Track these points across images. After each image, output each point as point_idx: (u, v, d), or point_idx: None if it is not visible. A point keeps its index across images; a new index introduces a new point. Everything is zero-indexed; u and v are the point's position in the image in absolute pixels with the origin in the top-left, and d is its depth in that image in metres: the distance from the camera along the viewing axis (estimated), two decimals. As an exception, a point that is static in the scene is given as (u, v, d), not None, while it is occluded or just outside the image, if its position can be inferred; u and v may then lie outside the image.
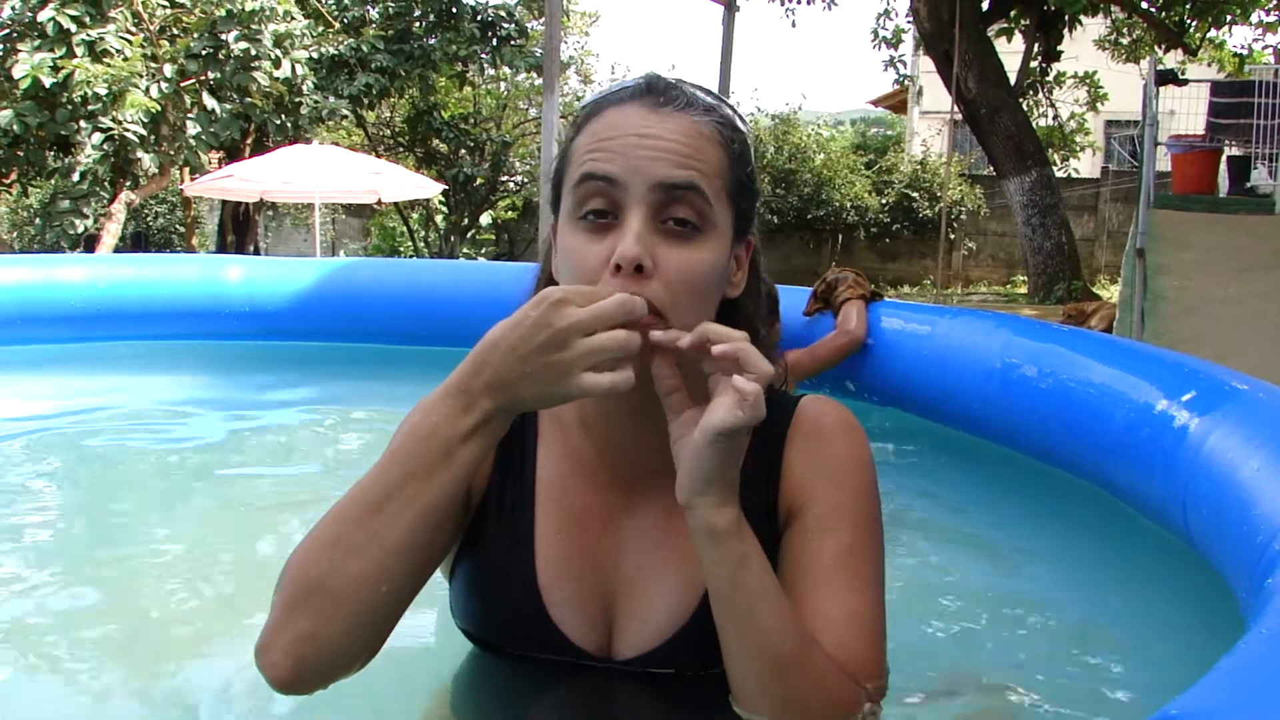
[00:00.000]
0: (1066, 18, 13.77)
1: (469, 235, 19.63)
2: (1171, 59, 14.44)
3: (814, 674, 1.10)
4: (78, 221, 11.14)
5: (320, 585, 1.04)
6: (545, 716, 1.29)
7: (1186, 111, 11.16)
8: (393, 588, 1.06)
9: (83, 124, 10.57)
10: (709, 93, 1.20)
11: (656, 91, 1.17)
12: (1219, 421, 1.96)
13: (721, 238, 1.16)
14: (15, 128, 10.41)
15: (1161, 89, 9.01)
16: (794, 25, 16.85)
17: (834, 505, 1.20)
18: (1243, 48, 17.25)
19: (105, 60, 10.50)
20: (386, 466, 1.09)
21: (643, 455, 1.23)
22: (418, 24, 15.72)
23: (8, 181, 11.92)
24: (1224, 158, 10.44)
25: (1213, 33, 15.57)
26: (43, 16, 10.27)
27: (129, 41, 10.84)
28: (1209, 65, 16.92)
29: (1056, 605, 2.03)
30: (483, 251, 20.55)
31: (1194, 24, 14.79)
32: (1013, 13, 14.24)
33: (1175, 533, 2.05)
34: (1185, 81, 9.84)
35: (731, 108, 1.21)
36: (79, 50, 10.42)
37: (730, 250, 1.19)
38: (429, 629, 1.47)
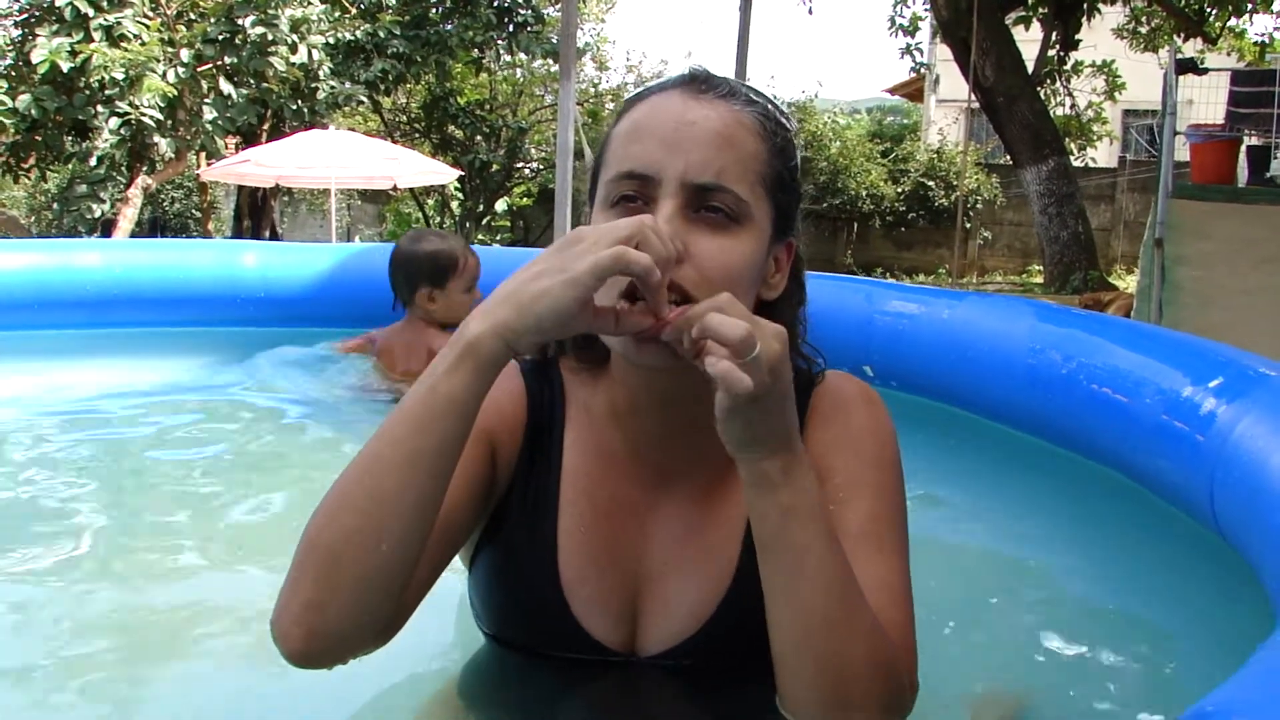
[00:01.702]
0: (1085, 6, 13.70)
1: (484, 222, 19.63)
2: (1191, 48, 14.35)
3: (862, 636, 1.06)
4: (95, 206, 11.18)
5: (321, 547, 1.01)
6: (566, 714, 1.27)
7: (1205, 101, 11.10)
8: (392, 545, 1.01)
9: (100, 109, 10.59)
10: (758, 91, 1.18)
11: (699, 80, 1.16)
12: (1248, 408, 1.93)
13: (758, 232, 1.14)
14: (33, 112, 10.43)
15: (1180, 78, 8.95)
16: (811, 13, 16.80)
17: (855, 475, 1.18)
18: (1263, 36, 17.09)
19: (122, 45, 10.51)
20: (385, 420, 1.06)
21: (672, 446, 1.22)
22: (434, 10, 15.68)
23: (26, 166, 11.94)
24: (1244, 147, 10.37)
25: (1233, 21, 15.45)
26: (60, 1, 10.28)
27: (146, 26, 10.84)
28: (1228, 54, 16.79)
29: (1079, 594, 2.02)
30: (498, 238, 20.54)
31: (1214, 12, 14.68)
32: (1031, 1, 14.15)
33: (1202, 521, 2.03)
34: (1205, 70, 9.79)
35: (779, 107, 1.19)
36: (96, 35, 10.44)
37: (769, 248, 1.17)
38: (443, 622, 1.44)
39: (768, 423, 1.03)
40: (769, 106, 1.17)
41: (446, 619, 1.43)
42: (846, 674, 1.05)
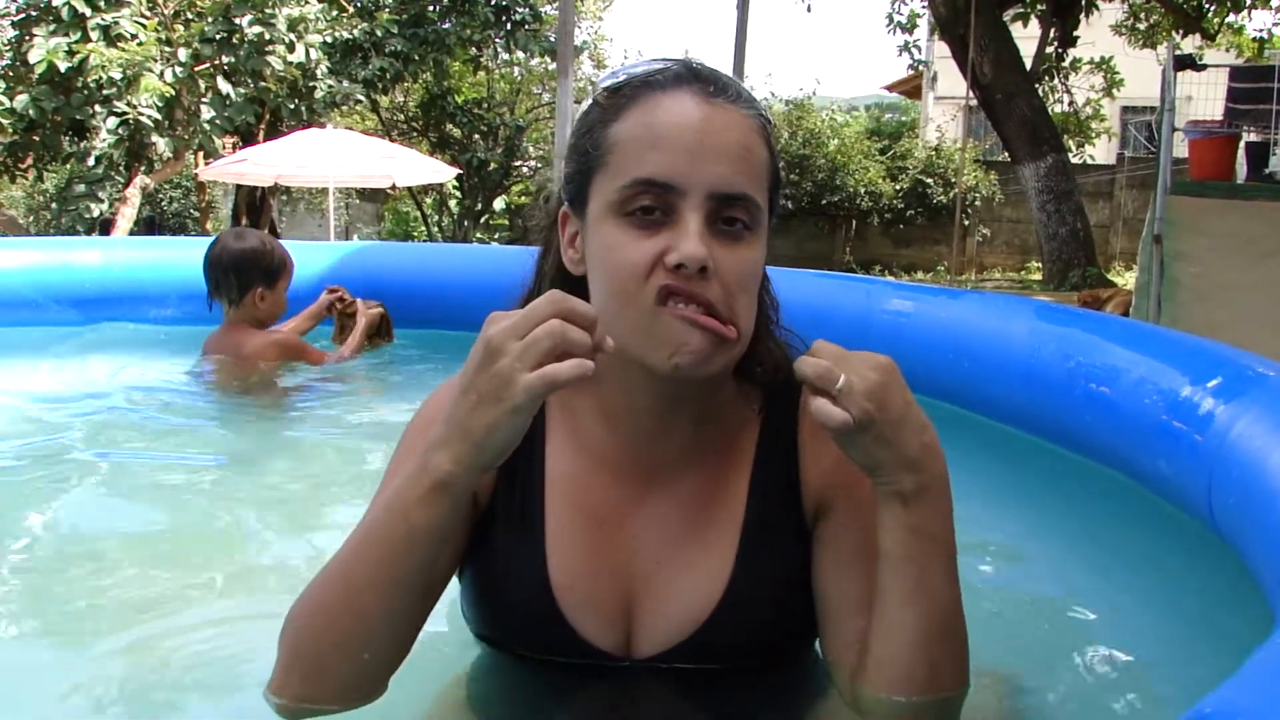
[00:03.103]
0: (1083, 2, 13.69)
1: (482, 220, 19.62)
2: (1189, 44, 14.33)
3: (963, 641, 1.14)
4: (93, 206, 11.18)
5: (306, 653, 1.08)
6: (562, 716, 1.26)
7: (1204, 97, 11.08)
8: (375, 656, 1.08)
9: (98, 108, 10.58)
10: (746, 89, 1.18)
11: (705, 80, 1.14)
12: (1246, 407, 1.93)
13: (764, 234, 1.15)
14: (31, 112, 10.42)
15: (1179, 74, 8.94)
16: (809, 10, 16.74)
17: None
18: (1262, 32, 17.08)
19: (120, 45, 10.49)
20: (358, 531, 1.10)
21: (666, 447, 1.21)
22: (432, 8, 15.68)
23: (24, 166, 11.94)
24: (1242, 144, 10.36)
25: (1231, 17, 15.43)
26: (58, 1, 10.27)
27: (143, 26, 10.83)
28: (1227, 50, 16.78)
29: (1075, 592, 2.01)
30: (496, 236, 20.53)
31: (1212, 8, 14.67)
32: (1029, -3, 14.15)
33: (1200, 520, 2.03)
34: (1204, 67, 9.76)
35: (761, 103, 1.20)
36: (94, 35, 10.42)
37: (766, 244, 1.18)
38: (436, 625, 1.43)
39: (885, 449, 1.07)
40: (761, 105, 1.17)
41: (439, 622, 1.42)
42: (942, 677, 1.12)
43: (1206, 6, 14.61)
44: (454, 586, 1.28)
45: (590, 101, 1.18)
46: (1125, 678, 1.61)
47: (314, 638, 1.08)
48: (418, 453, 1.06)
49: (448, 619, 1.38)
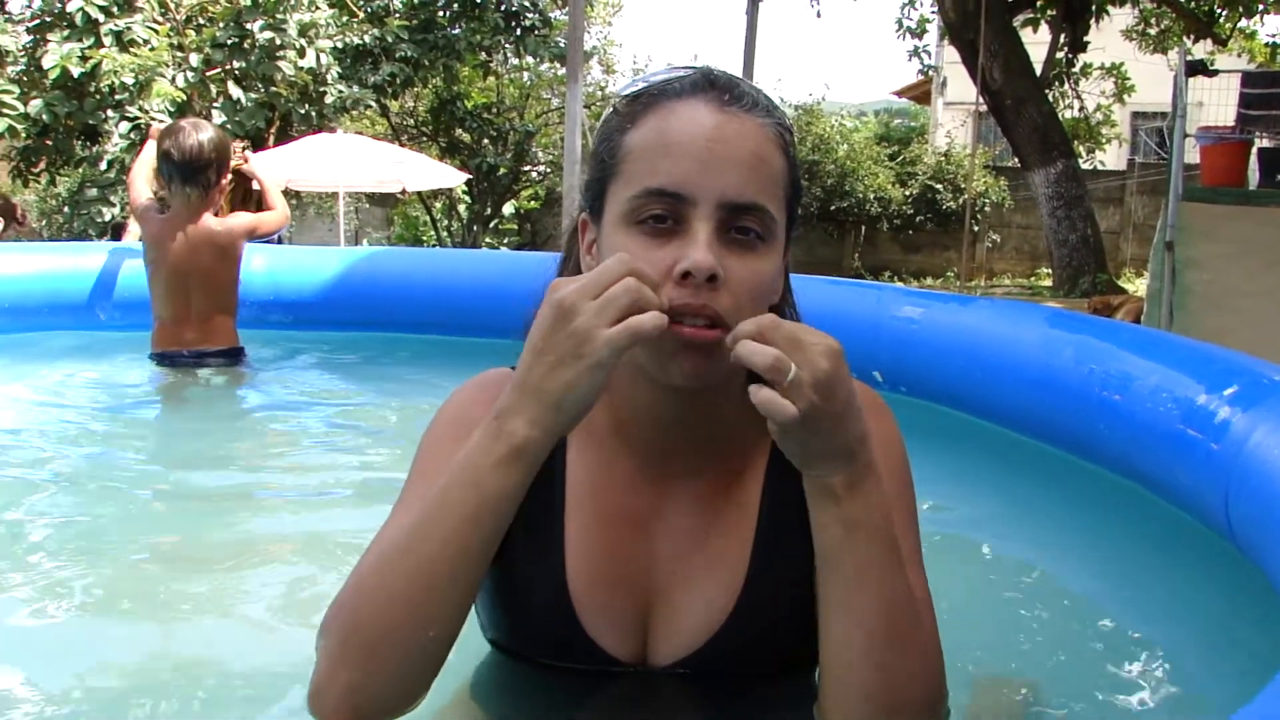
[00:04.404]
0: (1093, 8, 13.65)
1: (492, 225, 19.64)
2: (1200, 49, 14.28)
3: (919, 651, 1.08)
4: (105, 210, 11.20)
5: (364, 635, 1.03)
6: None
7: (1215, 103, 11.05)
8: (439, 632, 1.05)
9: (110, 113, 10.62)
10: (767, 96, 1.16)
11: (720, 87, 1.13)
12: (1264, 416, 1.92)
13: (779, 246, 1.14)
14: (45, 117, 10.46)
15: (1190, 80, 8.91)
16: (819, 15, 16.77)
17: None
18: (1274, 37, 17.03)
19: (132, 50, 10.53)
20: (422, 504, 1.06)
21: (681, 458, 1.21)
22: (442, 13, 15.69)
23: (37, 170, 11.97)
24: (1255, 150, 10.32)
25: (1243, 22, 15.39)
26: (71, 7, 10.31)
27: (155, 31, 10.86)
28: (1239, 56, 16.72)
29: (1090, 603, 2.00)
30: (505, 241, 20.55)
31: (1224, 13, 14.63)
32: (1039, 3, 14.12)
33: (1217, 530, 2.02)
34: (1216, 72, 9.75)
35: (783, 111, 1.18)
36: (107, 40, 10.46)
37: (784, 257, 1.17)
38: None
39: (826, 440, 1.03)
40: (781, 113, 1.16)
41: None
42: (903, 688, 1.06)
43: (1218, 11, 14.58)
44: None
45: (610, 109, 1.19)
46: (1141, 688, 1.60)
47: (373, 618, 1.04)
48: (448, 450, 1.06)
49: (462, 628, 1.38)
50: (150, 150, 3.75)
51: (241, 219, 3.74)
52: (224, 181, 3.61)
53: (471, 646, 1.32)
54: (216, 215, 3.65)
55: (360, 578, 1.07)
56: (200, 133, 3.57)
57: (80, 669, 1.59)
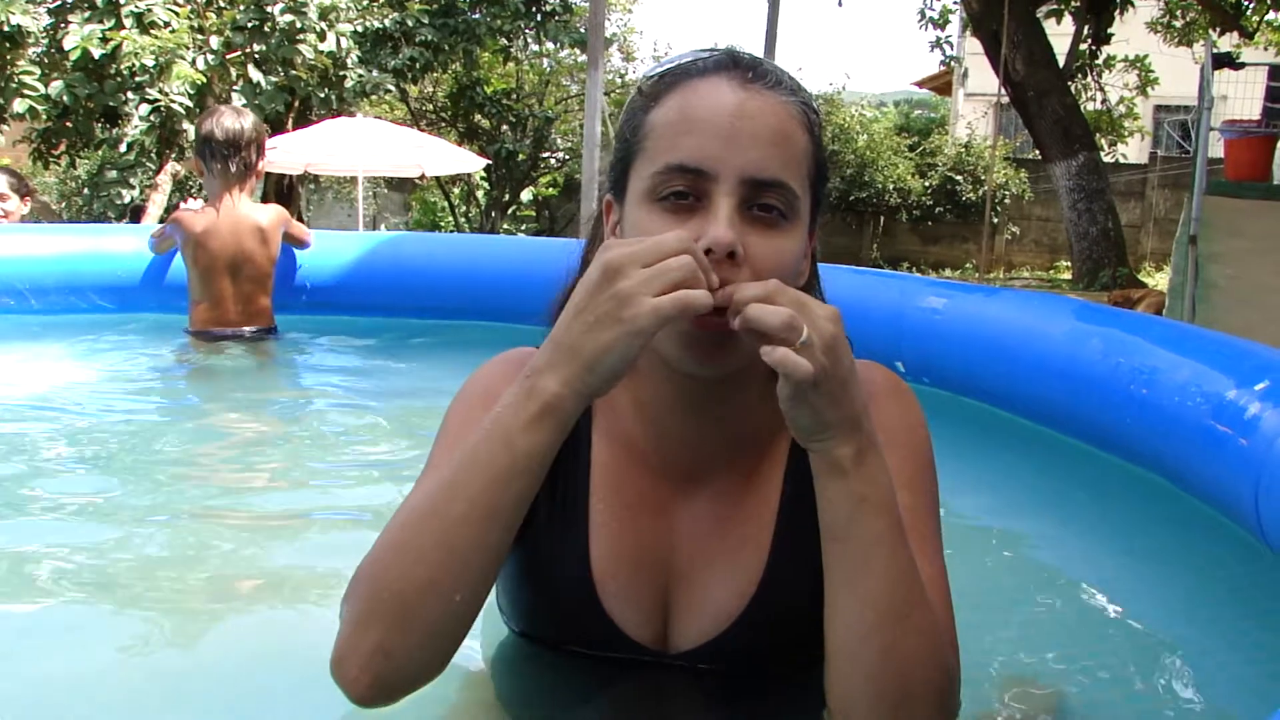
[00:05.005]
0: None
1: (510, 211, 19.66)
2: (1226, 42, 14.16)
3: (926, 631, 1.05)
4: (124, 192, 11.26)
5: (391, 596, 1.02)
6: (596, 711, 1.25)
7: (1239, 96, 10.97)
8: (466, 596, 1.03)
9: (130, 95, 10.64)
10: (792, 77, 1.15)
11: (744, 66, 1.12)
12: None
13: (803, 226, 1.13)
14: (65, 99, 10.49)
15: (1216, 72, 8.84)
16: (840, 4, 16.63)
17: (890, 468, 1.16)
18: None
19: (153, 32, 10.55)
20: (451, 464, 1.05)
21: (697, 446, 1.20)
22: (462, -2, 15.68)
23: (57, 153, 12.01)
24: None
25: (1270, 15, 15.23)
26: (92, -12, 10.35)
27: (176, 13, 10.88)
28: (1265, 49, 16.57)
29: (1116, 600, 1.98)
30: (523, 227, 20.56)
31: (1251, 5, 14.48)
32: (1063, -6, 14.01)
33: (1247, 527, 2.00)
34: (1242, 65, 9.67)
35: (808, 92, 1.17)
36: (127, 22, 10.48)
37: (808, 239, 1.16)
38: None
39: (834, 407, 1.01)
40: (806, 94, 1.15)
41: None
42: (908, 669, 1.03)
43: (1245, 4, 14.43)
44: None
45: (634, 90, 1.18)
46: (1167, 691, 1.58)
47: (400, 577, 1.02)
48: (474, 421, 1.05)
49: (481, 614, 1.37)
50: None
51: (281, 209, 4.06)
52: (261, 164, 3.87)
53: (491, 635, 1.31)
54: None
55: (388, 539, 1.05)
56: (241, 116, 3.85)
57: (90, 650, 1.60)
